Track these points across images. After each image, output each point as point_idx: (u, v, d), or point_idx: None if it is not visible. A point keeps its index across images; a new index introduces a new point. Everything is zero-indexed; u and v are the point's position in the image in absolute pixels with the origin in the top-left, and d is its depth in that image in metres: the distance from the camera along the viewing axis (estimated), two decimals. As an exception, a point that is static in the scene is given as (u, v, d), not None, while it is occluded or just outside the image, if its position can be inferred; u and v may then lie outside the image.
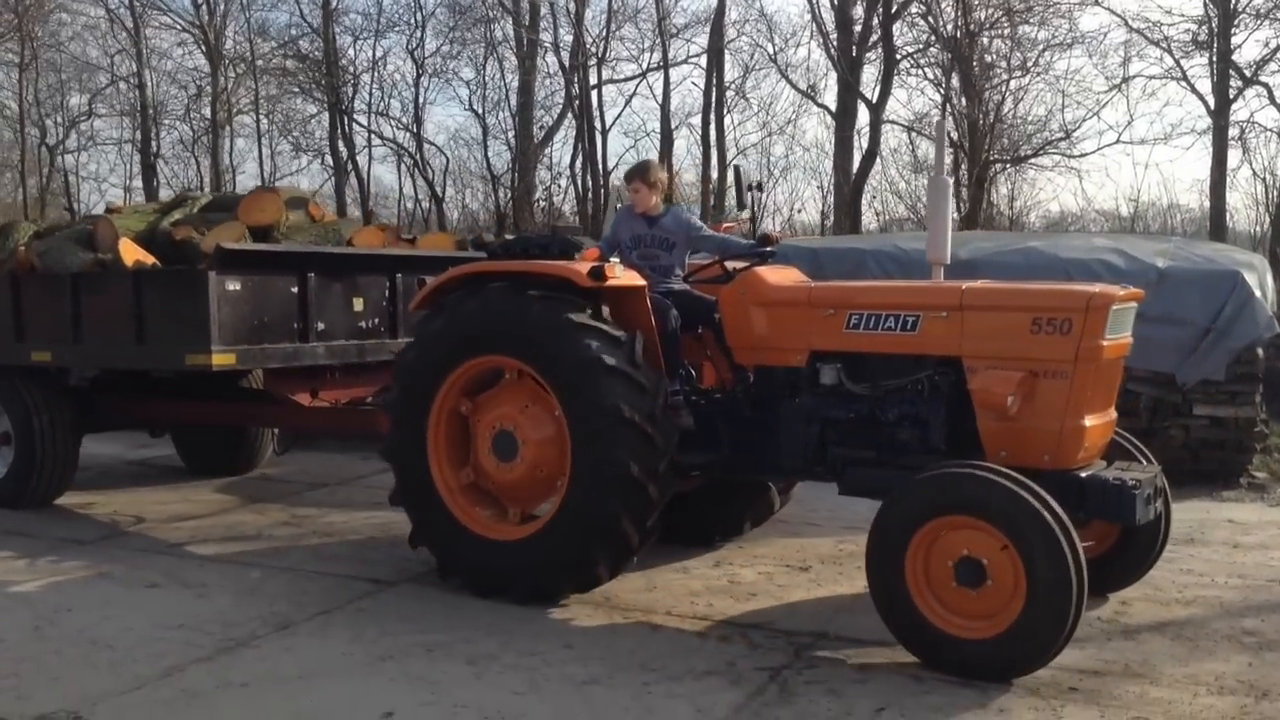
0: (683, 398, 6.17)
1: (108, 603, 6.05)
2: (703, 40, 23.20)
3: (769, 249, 6.30)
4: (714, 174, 22.08)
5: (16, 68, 27.25)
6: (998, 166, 20.98)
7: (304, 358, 7.98)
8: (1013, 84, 20.82)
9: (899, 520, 4.96)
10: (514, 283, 5.96)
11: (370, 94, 25.86)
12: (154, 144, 27.87)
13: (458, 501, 6.19)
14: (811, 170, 32.97)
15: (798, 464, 6.07)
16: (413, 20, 25.84)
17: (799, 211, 26.42)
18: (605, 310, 5.88)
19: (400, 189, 27.62)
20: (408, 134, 25.67)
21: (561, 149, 26.08)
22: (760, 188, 6.77)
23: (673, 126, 23.25)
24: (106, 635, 5.48)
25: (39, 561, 6.95)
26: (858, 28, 20.82)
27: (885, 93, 20.44)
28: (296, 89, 26.55)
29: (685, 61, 24.22)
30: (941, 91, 21.36)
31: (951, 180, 7.29)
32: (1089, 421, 5.25)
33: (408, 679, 4.88)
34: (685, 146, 29.19)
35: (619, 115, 40.25)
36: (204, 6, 26.27)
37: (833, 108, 21.55)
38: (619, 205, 6.92)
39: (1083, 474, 5.20)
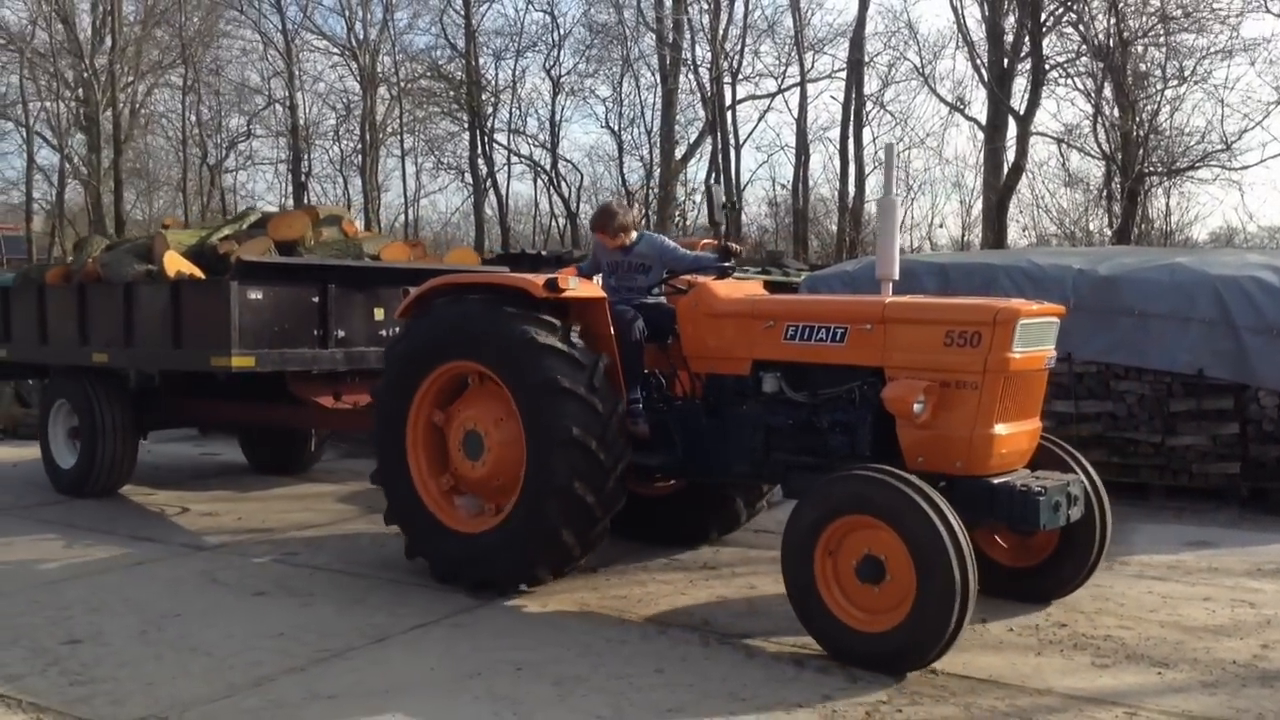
0: (641, 405, 6.56)
1: (214, 609, 6.15)
2: (842, 53, 22.86)
3: (728, 264, 6.67)
4: (851, 189, 21.70)
5: (181, 91, 28.65)
6: (1153, 179, 19.99)
7: (322, 363, 8.60)
8: (1168, 93, 19.84)
9: (808, 519, 5.25)
10: (485, 295, 6.45)
11: (509, 112, 26.35)
12: (305, 163, 28.91)
13: (428, 490, 6.65)
14: (953, 184, 32.19)
15: (745, 468, 6.37)
16: (550, 39, 26.20)
17: (940, 226, 25.77)
18: (569, 322, 6.27)
19: (536, 205, 28.03)
20: (544, 151, 26.02)
21: (697, 165, 26.03)
22: (732, 206, 7.34)
23: (809, 141, 22.92)
24: (207, 642, 5.55)
25: (158, 567, 7.14)
26: (1007, 38, 20.16)
27: (1034, 104, 19.71)
28: (439, 109, 27.18)
29: (826, 77, 23.91)
30: (1093, 102, 20.51)
31: (898, 200, 7.32)
32: (1001, 430, 5.48)
33: (492, 698, 4.79)
34: (821, 161, 28.81)
35: (752, 131, 40.04)
36: (354, 30, 27.15)
37: (981, 120, 20.93)
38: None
39: (994, 481, 5.41)
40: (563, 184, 25.80)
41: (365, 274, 8.89)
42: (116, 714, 4.60)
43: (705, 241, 7.33)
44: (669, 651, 5.41)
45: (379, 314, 8.80)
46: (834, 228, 23.04)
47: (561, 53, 26.20)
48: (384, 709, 4.68)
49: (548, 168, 25.86)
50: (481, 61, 26.28)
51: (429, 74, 27.02)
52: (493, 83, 26.57)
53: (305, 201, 28.05)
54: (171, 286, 8.53)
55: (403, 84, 27.07)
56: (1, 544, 7.69)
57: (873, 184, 21.96)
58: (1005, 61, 19.76)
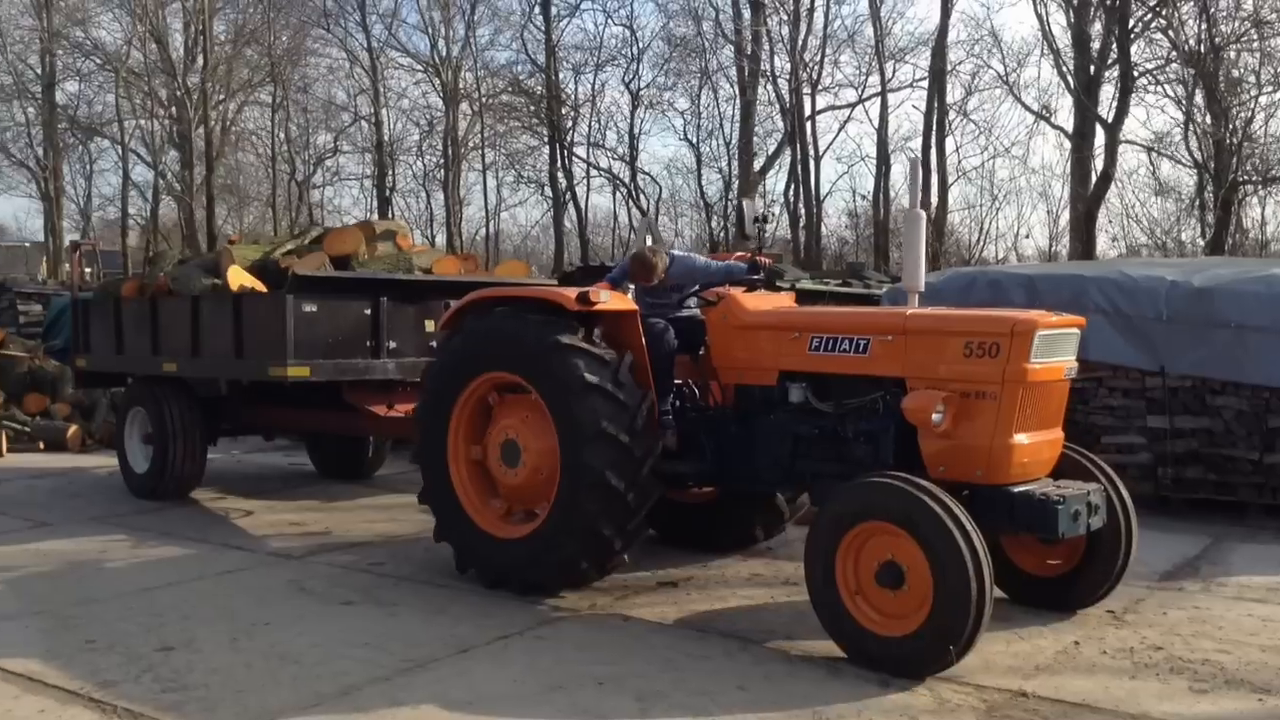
0: (671, 416, 6.77)
1: (303, 617, 6.25)
2: (924, 62, 22.60)
3: (756, 277, 6.89)
4: (934, 199, 21.42)
5: (270, 108, 29.32)
6: (1247, 188, 19.42)
7: (375, 372, 8.93)
8: (1263, 99, 19.28)
9: (828, 526, 5.41)
10: (516, 307, 6.68)
11: (589, 126, 26.52)
12: (390, 178, 29.38)
13: (471, 501, 6.87)
14: (1040, 194, 31.58)
15: (773, 477, 6.56)
16: (629, 53, 26.33)
17: (1025, 237, 25.33)
18: (598, 333, 6.49)
19: (615, 217, 28.15)
20: (623, 164, 26.14)
21: (776, 176, 25.93)
22: (766, 219, 7.40)
23: (890, 151, 22.69)
24: (296, 650, 5.64)
25: (248, 575, 7.27)
26: (1094, 45, 19.77)
27: (1123, 112, 19.35)
28: (520, 123, 27.46)
29: (908, 87, 23.67)
30: (1183, 109, 20.03)
31: (924, 214, 7.59)
32: (1021, 440, 5.56)
33: (574, 711, 4.79)
34: (902, 171, 28.53)
35: (832, 141, 39.77)
36: (437, 47, 27.55)
37: (1068, 128, 20.54)
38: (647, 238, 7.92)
39: (1015, 490, 5.50)
40: (641, 196, 25.88)
41: (416, 287, 9.24)
42: (207, 721, 4.69)
43: (738, 255, 7.42)
44: (752, 669, 5.36)
45: (430, 325, 9.04)
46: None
47: (640, 66, 26.32)
48: (467, 721, 4.71)
49: (626, 180, 25.96)
50: (561, 76, 26.53)
51: (510, 89, 27.31)
52: (572, 97, 26.80)
53: (390, 216, 28.51)
54: (234, 300, 8.95)
55: (484, 99, 27.40)
56: (97, 551, 7.90)
57: (955, 194, 21.71)
58: (1092, 69, 19.40)
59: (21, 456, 12.50)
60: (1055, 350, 5.68)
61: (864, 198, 25.23)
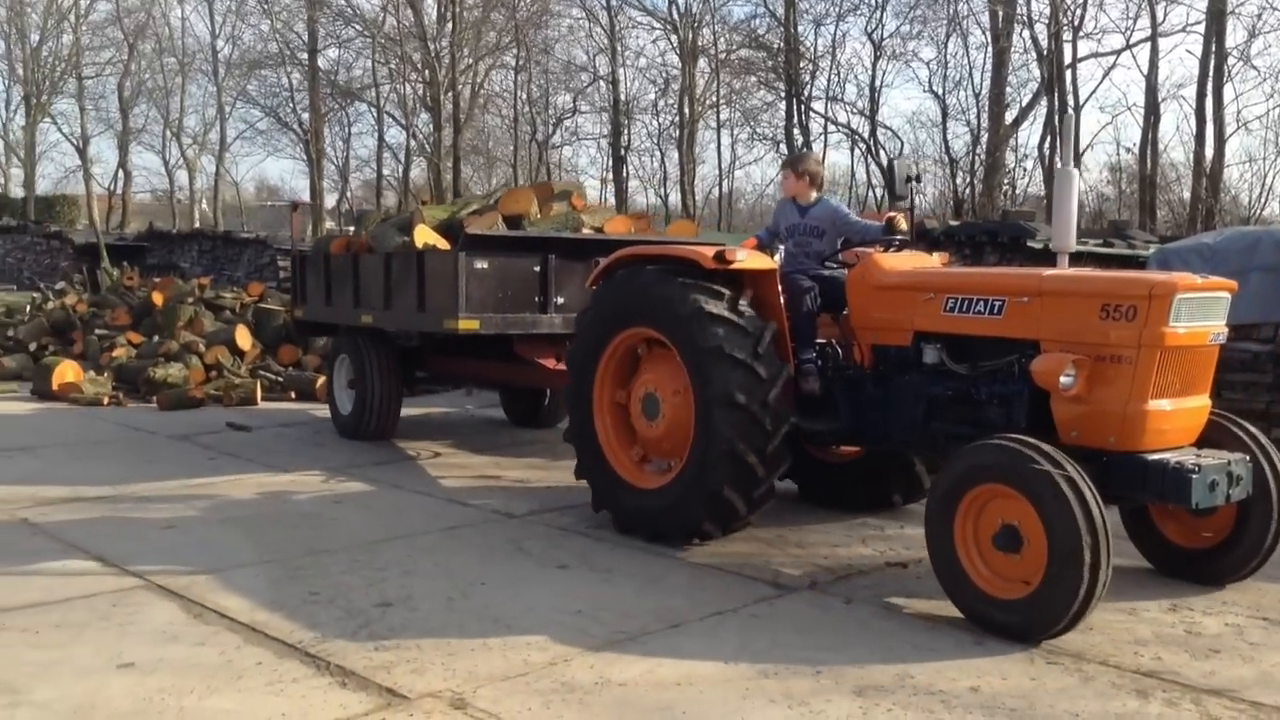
0: (813, 366, 6.85)
1: (518, 580, 6.18)
2: (1201, 3, 20.64)
3: (896, 236, 6.86)
4: (1209, 151, 19.59)
5: (514, 71, 29.93)
6: None
7: (542, 326, 9.37)
8: None
9: (947, 487, 5.42)
10: (662, 266, 6.90)
11: (827, 80, 25.69)
12: (625, 138, 29.47)
13: (612, 447, 7.23)
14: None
15: (907, 437, 6.54)
16: (873, 1, 25.27)
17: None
18: (741, 290, 6.63)
19: (853, 175, 27.28)
20: (862, 119, 25.20)
21: (1029, 129, 24.41)
22: (919, 179, 7.22)
23: (1159, 99, 20.88)
24: (508, 614, 5.55)
25: (470, 532, 7.30)
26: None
27: None
28: (758, 78, 26.91)
29: (1180, 30, 21.71)
30: None
31: (1077, 172, 7.08)
32: (1159, 406, 5.41)
33: (789, 701, 4.47)
34: (1174, 121, 26.31)
35: (1094, 90, 37.17)
36: (675, 3, 27.30)
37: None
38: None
39: (1149, 458, 5.34)
40: (881, 152, 24.88)
41: (583, 245, 9.56)
42: (414, 684, 4.63)
43: (889, 214, 7.22)
44: (990, 668, 4.88)
45: None
46: (1185, 195, 20.90)
47: (884, 15, 25.21)
48: (674, 705, 4.46)
49: (866, 136, 25.01)
50: (800, 29, 25.77)
51: (747, 43, 26.79)
52: (811, 49, 26.01)
53: (624, 176, 28.63)
54: (418, 257, 9.48)
55: (721, 55, 27.01)
56: (332, 502, 8.14)
57: (1234, 146, 19.81)
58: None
59: (275, 405, 13.17)
60: (1200, 314, 5.48)
61: (1128, 150, 23.43)
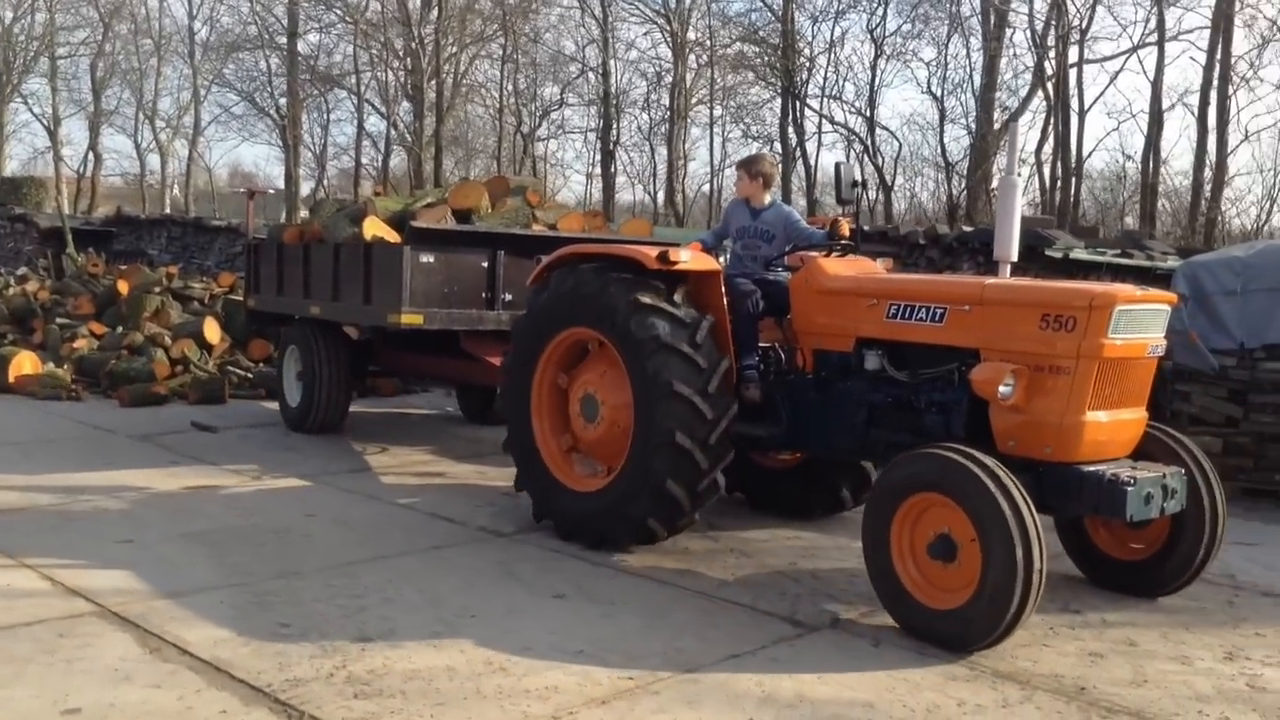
0: (755, 372, 6.77)
1: (511, 611, 5.61)
2: (1208, 8, 20.23)
3: (840, 242, 6.75)
4: (1210, 159, 19.17)
5: (500, 61, 29.27)
6: None
7: (488, 323, 9.28)
8: None
9: (885, 495, 5.40)
10: (602, 265, 6.75)
11: (824, 77, 25.14)
12: (614, 132, 28.86)
13: (552, 453, 7.07)
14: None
15: (846, 444, 6.50)
16: (875, -2, 24.71)
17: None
18: (681, 292, 6.54)
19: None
20: (860, 118, 24.67)
21: (1028, 133, 23.96)
22: (863, 185, 7.35)
23: (1163, 107, 20.45)
24: (503, 654, 4.98)
25: (455, 553, 6.72)
26: None
27: None
28: (752, 73, 26.35)
29: (1181, 35, 21.26)
30: None
31: (1022, 180, 7.14)
32: (1095, 417, 5.40)
33: (826, 772, 3.93)
34: (1177, 128, 25.92)
35: (1100, 94, 36.80)
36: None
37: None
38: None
39: (1085, 469, 5.33)
40: (878, 154, 24.34)
41: (533, 242, 9.43)
42: (400, 741, 4.06)
43: (832, 219, 7.09)
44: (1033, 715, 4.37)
45: None
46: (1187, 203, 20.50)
47: (886, 12, 24.60)
48: (697, 773, 3.91)
49: (863, 136, 24.43)
50: (799, 24, 25.19)
51: (742, 38, 26.21)
52: (809, 45, 25.44)
53: (613, 171, 28.03)
54: (365, 248, 9.39)
55: (715, 50, 26.44)
56: (304, 515, 7.52)
57: (1244, 156, 19.39)
58: None
59: (243, 404, 12.49)
60: (1138, 327, 5.49)
61: (1129, 158, 22.96)
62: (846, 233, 6.83)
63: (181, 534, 6.89)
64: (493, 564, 6.48)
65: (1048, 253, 10.49)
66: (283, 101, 37.44)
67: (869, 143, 24.04)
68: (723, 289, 6.67)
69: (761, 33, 25.25)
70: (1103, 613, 5.88)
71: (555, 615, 5.59)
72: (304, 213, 32.41)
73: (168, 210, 35.23)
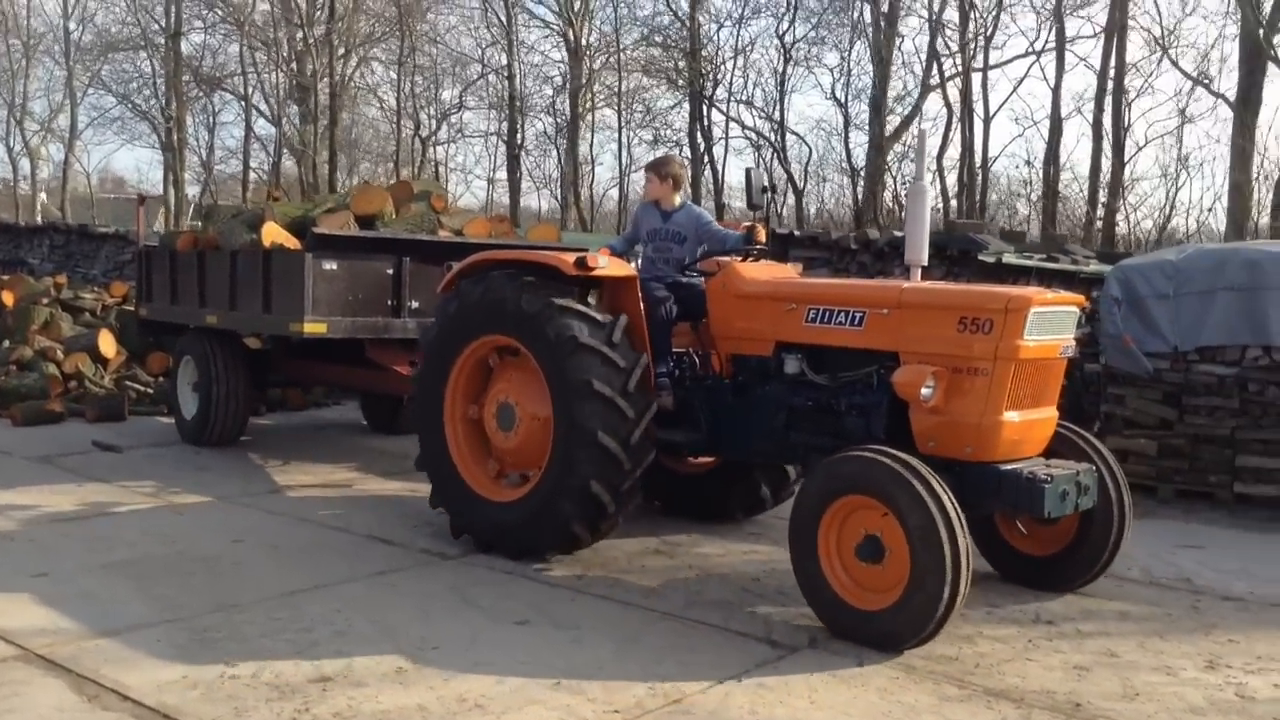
0: (668, 380, 6.77)
1: (475, 641, 5.28)
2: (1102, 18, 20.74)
3: (753, 246, 6.76)
4: (1105, 164, 19.64)
5: (396, 63, 28.58)
6: None
7: (394, 331, 9.12)
8: None
9: (810, 499, 5.41)
10: (514, 271, 6.65)
11: (731, 82, 25.09)
12: (519, 136, 28.41)
13: (467, 466, 6.92)
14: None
15: (766, 448, 6.55)
16: (784, 2, 24.76)
17: (1209, 212, 23.21)
18: (596, 297, 6.50)
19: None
20: (769, 123, 24.69)
21: (933, 139, 24.29)
22: (773, 190, 7.49)
23: (1063, 115, 20.89)
24: (475, 689, 4.66)
25: (403, 578, 6.35)
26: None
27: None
28: (661, 75, 26.19)
29: (1074, 40, 21.74)
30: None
31: (934, 188, 7.44)
32: (1012, 417, 5.52)
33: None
34: (1075, 134, 26.51)
35: (1005, 101, 37.63)
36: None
37: (1232, 95, 18.55)
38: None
39: (1003, 468, 5.47)
40: (787, 159, 24.37)
41: (439, 248, 9.27)
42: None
43: (744, 225, 7.10)
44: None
45: None
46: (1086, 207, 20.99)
47: (795, 18, 24.59)
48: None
49: (773, 141, 24.42)
50: (705, 29, 25.08)
51: (645, 42, 26.05)
52: (719, 50, 25.35)
53: (517, 176, 27.61)
54: (264, 256, 9.14)
55: (620, 52, 26.22)
56: (231, 540, 7.05)
57: (1148, 160, 19.78)
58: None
59: (144, 420, 11.81)
60: (1051, 328, 5.61)
61: (1029, 164, 23.46)
62: (763, 238, 6.84)
63: (101, 565, 6.38)
64: (445, 589, 6.13)
65: (980, 257, 10.53)
66: (165, 103, 36.02)
67: (780, 147, 24.12)
68: (639, 294, 6.62)
69: (663, 37, 25.15)
70: (1076, 622, 5.79)
71: (522, 643, 5.28)
72: (190, 218, 31.22)
73: (39, 218, 33.57)
